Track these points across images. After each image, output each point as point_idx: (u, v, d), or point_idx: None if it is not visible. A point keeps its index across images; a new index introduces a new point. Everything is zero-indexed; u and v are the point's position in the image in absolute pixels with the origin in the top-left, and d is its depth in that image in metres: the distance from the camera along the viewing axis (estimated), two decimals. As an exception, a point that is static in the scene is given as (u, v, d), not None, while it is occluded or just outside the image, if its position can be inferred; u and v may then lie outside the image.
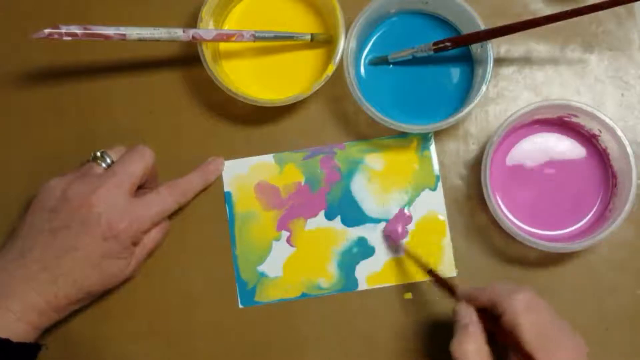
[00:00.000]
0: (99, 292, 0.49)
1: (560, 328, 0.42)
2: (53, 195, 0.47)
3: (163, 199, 0.49)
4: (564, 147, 0.53)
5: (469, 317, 0.43)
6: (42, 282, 0.45)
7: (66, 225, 0.46)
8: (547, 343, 0.40)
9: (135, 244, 0.48)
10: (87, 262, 0.46)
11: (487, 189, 0.49)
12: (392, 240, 0.52)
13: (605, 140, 0.51)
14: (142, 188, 0.51)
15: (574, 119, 0.51)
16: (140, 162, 0.48)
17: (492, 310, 0.43)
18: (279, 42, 0.54)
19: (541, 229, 0.52)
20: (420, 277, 0.52)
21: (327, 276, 0.53)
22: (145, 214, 0.48)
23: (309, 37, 0.53)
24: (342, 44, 0.50)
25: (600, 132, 0.51)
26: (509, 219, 0.51)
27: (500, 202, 0.52)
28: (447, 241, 0.53)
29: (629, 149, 0.49)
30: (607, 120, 0.49)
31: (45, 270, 0.45)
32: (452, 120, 0.50)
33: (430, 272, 0.49)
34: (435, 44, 0.51)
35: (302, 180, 0.54)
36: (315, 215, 0.53)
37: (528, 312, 0.41)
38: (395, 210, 0.53)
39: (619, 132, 0.49)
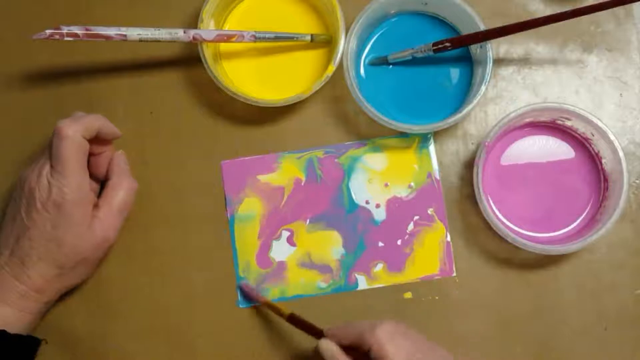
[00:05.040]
0: (75, 263, 0.49)
1: (429, 347, 0.44)
2: (18, 184, 0.49)
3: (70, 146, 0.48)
4: (557, 149, 0.53)
5: (331, 352, 0.45)
6: (13, 266, 0.47)
7: (19, 209, 0.48)
8: None
9: (95, 207, 0.49)
10: (42, 237, 0.47)
11: (479, 190, 0.49)
12: (248, 295, 0.52)
13: (598, 144, 0.51)
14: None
15: (567, 122, 0.52)
16: (60, 140, 0.47)
17: (360, 348, 0.44)
18: (280, 42, 0.54)
19: (535, 231, 0.52)
20: (420, 276, 0.52)
21: (328, 276, 0.53)
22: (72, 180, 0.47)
23: (309, 37, 0.53)
24: (342, 45, 0.50)
25: (593, 135, 0.51)
26: (501, 221, 0.51)
27: (492, 204, 0.52)
28: (446, 241, 0.53)
29: (620, 153, 0.49)
30: (600, 124, 0.49)
31: (13, 254, 0.48)
32: (451, 120, 0.50)
33: (292, 318, 0.49)
34: (434, 44, 0.51)
35: (303, 180, 0.54)
36: (315, 214, 0.53)
37: (393, 340, 0.43)
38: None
39: (612, 137, 0.49)
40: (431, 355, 0.44)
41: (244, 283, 0.52)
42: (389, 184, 0.53)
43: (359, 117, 0.54)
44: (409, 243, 0.53)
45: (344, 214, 0.53)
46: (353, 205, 0.53)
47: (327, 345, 0.45)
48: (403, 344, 0.43)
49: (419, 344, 0.44)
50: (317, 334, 0.47)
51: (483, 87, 0.50)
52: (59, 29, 0.48)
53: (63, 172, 0.46)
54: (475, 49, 0.52)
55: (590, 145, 0.52)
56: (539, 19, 0.48)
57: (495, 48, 0.54)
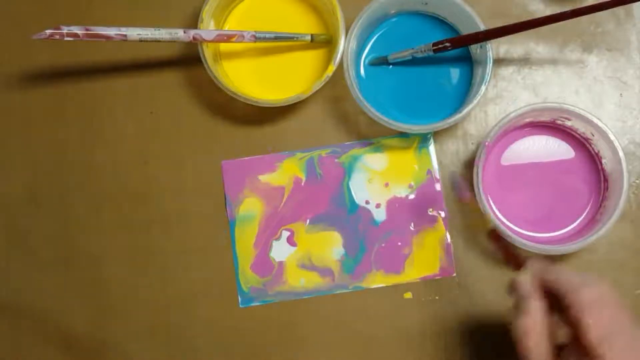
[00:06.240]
0: None
1: (635, 337, 0.36)
2: None
3: None
4: (557, 149, 0.53)
5: (526, 292, 0.39)
6: None
7: None
8: (614, 351, 0.35)
9: None
10: None
11: (479, 190, 0.49)
12: (458, 190, 0.48)
13: (598, 144, 0.51)
14: None
15: (567, 122, 0.52)
16: None
17: (559, 299, 0.38)
18: (280, 42, 0.54)
19: (535, 231, 0.52)
20: (420, 276, 0.52)
21: (327, 276, 0.53)
22: None
23: (309, 37, 0.53)
24: (342, 44, 0.50)
25: (593, 135, 0.51)
26: (501, 221, 0.51)
27: (492, 204, 0.52)
28: (446, 241, 0.53)
29: (620, 153, 0.49)
30: (600, 124, 0.49)
31: None
32: (451, 120, 0.50)
33: (493, 233, 0.44)
34: (434, 44, 0.51)
35: (303, 180, 0.54)
36: (315, 215, 0.53)
37: (596, 311, 0.36)
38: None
39: (612, 137, 0.49)
40: (633, 345, 0.35)
41: (455, 174, 0.48)
42: (389, 183, 0.53)
43: (359, 117, 0.54)
44: (409, 243, 0.53)
45: (345, 214, 0.53)
46: (354, 205, 0.53)
47: (525, 283, 0.39)
48: (607, 317, 0.36)
49: (624, 325, 0.36)
50: (517, 263, 0.42)
51: (483, 87, 0.50)
52: (59, 29, 0.48)
53: None
54: (475, 49, 0.52)
55: (590, 145, 0.52)
56: (539, 19, 0.48)
57: (495, 48, 0.54)
